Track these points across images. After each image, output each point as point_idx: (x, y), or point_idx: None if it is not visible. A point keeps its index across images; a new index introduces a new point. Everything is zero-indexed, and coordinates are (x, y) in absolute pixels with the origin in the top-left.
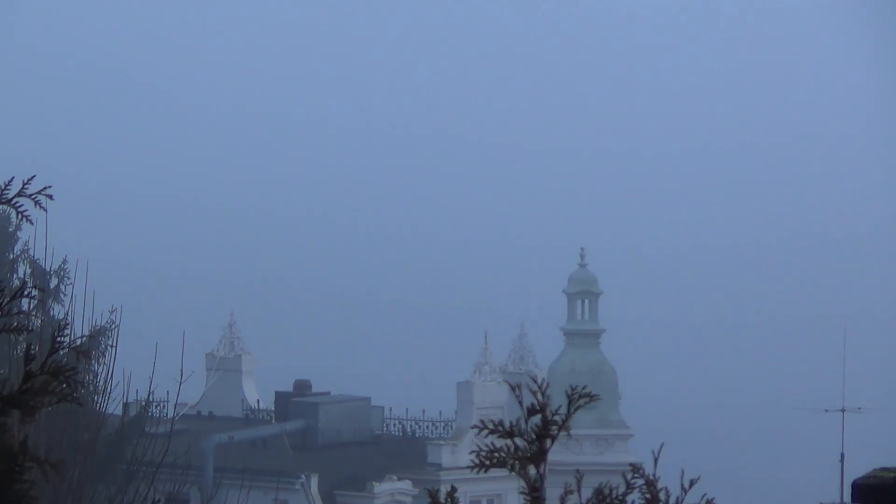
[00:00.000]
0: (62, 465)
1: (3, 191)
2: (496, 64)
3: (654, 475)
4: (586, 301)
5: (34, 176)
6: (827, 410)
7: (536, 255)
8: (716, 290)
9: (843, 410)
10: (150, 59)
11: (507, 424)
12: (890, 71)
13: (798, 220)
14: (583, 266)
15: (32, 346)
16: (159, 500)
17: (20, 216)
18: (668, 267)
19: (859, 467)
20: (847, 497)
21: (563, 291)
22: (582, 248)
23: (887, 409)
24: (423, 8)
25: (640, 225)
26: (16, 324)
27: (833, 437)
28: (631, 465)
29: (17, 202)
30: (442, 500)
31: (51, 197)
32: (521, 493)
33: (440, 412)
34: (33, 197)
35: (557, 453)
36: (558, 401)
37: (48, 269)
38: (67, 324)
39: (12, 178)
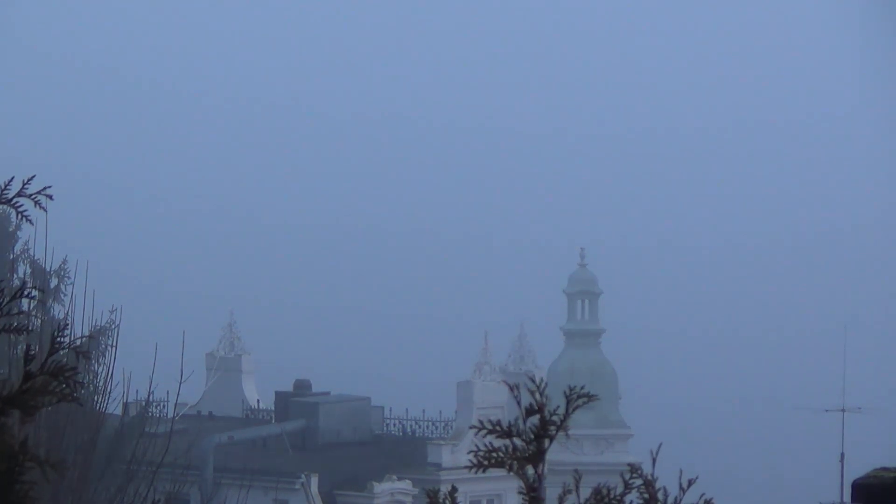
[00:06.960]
0: (62, 465)
1: (3, 191)
2: (496, 60)
3: (652, 475)
4: (586, 301)
5: (34, 176)
6: (827, 410)
7: (536, 255)
8: (716, 290)
9: (843, 410)
10: (150, 58)
11: (505, 424)
12: (888, 64)
13: (798, 219)
14: (583, 266)
15: (32, 347)
16: (159, 500)
17: (20, 216)
18: (667, 267)
19: (859, 467)
20: (847, 497)
21: (563, 291)
22: (582, 248)
23: (887, 409)
24: (423, 2)
25: (640, 225)
26: (15, 324)
27: (833, 437)
28: (629, 465)
29: (17, 202)
30: (442, 500)
31: (51, 197)
32: (520, 493)
33: (440, 412)
34: (33, 197)
35: (557, 453)
36: (558, 401)
37: (48, 269)
38: (68, 324)
39: (12, 178)
